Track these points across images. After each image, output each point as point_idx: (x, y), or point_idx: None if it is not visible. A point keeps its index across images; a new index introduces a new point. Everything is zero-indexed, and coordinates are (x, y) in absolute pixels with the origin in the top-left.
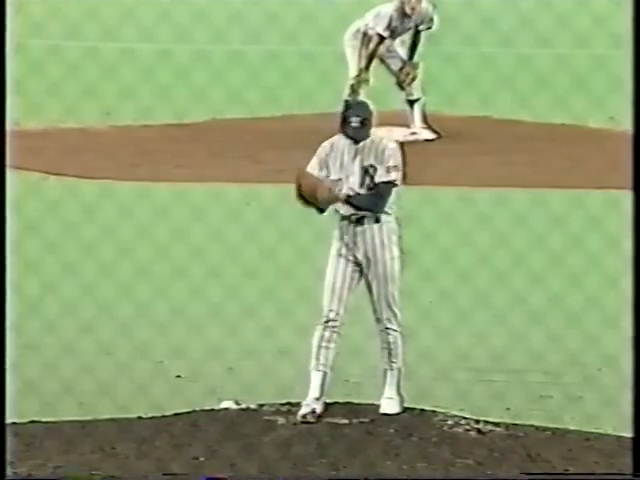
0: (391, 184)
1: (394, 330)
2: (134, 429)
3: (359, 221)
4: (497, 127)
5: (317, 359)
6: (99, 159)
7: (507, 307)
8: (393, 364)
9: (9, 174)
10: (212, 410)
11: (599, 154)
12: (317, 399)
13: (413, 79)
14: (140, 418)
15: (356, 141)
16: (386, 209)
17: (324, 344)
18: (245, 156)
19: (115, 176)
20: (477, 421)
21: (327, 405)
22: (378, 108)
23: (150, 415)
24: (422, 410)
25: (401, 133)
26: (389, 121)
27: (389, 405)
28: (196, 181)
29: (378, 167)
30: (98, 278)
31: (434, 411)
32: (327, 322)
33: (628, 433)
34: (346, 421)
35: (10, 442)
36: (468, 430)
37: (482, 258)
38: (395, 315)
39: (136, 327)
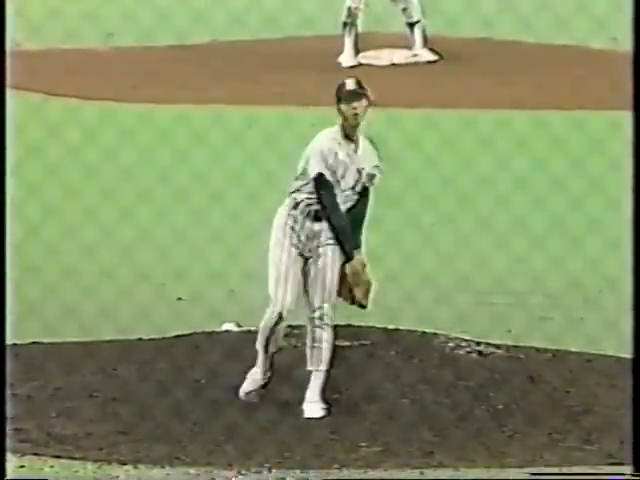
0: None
1: (327, 325)
2: (135, 351)
3: (317, 217)
4: (498, 49)
5: None
6: (101, 80)
7: (508, 230)
8: (320, 365)
9: (9, 95)
10: (213, 332)
11: (601, 75)
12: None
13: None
14: (141, 340)
15: (349, 138)
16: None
17: None
18: (246, 78)
19: (117, 98)
20: (478, 343)
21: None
22: (379, 31)
23: (151, 337)
24: (423, 333)
25: (402, 55)
26: (391, 43)
27: (314, 409)
28: (198, 103)
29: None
30: (99, 201)
31: (435, 333)
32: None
33: (628, 354)
34: (347, 343)
35: (10, 363)
36: (469, 352)
37: (483, 182)
38: (327, 314)
39: (137, 250)
